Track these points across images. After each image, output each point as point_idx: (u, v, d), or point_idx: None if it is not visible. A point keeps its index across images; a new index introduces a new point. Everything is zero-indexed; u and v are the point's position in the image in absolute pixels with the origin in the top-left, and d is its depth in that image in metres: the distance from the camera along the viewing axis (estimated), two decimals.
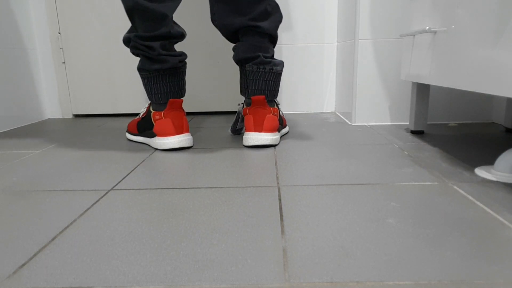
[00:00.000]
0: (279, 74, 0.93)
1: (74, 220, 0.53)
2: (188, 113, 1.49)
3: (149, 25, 0.84)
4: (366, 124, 1.15)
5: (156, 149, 0.92)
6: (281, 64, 0.94)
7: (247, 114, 0.92)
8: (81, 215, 0.54)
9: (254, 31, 0.91)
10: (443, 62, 0.76)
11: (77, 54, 1.43)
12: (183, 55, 0.91)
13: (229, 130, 1.08)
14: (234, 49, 0.95)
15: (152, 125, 0.91)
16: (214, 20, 0.96)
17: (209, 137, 1.04)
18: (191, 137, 0.92)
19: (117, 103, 1.47)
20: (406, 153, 0.82)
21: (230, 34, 0.95)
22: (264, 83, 0.92)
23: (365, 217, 0.51)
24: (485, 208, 0.53)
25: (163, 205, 0.57)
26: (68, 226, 0.51)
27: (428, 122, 1.16)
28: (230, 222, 0.51)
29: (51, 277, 0.39)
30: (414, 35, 0.91)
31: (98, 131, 1.19)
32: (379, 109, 1.15)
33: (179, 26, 0.91)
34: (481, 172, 0.67)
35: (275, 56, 1.37)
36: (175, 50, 0.91)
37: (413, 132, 1.01)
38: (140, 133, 0.98)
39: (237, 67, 1.41)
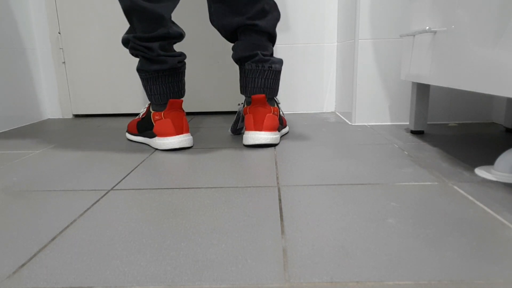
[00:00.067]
0: (278, 72, 0.93)
1: (74, 220, 0.53)
2: (188, 113, 1.49)
3: (147, 25, 0.84)
4: (366, 124, 1.15)
5: (156, 149, 0.92)
6: (280, 62, 0.94)
7: (247, 113, 0.91)
8: (81, 215, 0.54)
9: (252, 29, 0.91)
10: (443, 62, 0.76)
11: (77, 54, 1.43)
12: (182, 56, 0.91)
13: (229, 130, 1.08)
14: (233, 48, 0.95)
15: (152, 125, 0.91)
16: (213, 21, 0.96)
17: (209, 137, 1.04)
18: (191, 137, 0.92)
19: (117, 103, 1.47)
20: (406, 153, 0.82)
21: (229, 33, 0.95)
22: (264, 81, 0.92)
23: (365, 217, 0.51)
24: (485, 208, 0.53)
25: (163, 205, 0.57)
26: (68, 226, 0.51)
27: (428, 122, 1.16)
28: (230, 222, 0.51)
29: (51, 277, 0.39)
30: (414, 35, 0.91)
31: (98, 131, 1.19)
32: (379, 109, 1.15)
33: (177, 26, 0.91)
34: (481, 172, 0.67)
35: (275, 56, 1.37)
36: (174, 51, 0.91)
37: (413, 132, 1.01)
38: (140, 133, 0.98)
39: (237, 67, 1.41)
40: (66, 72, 1.44)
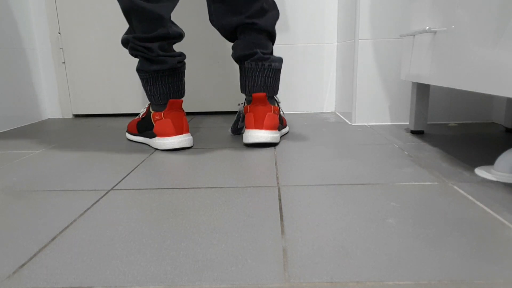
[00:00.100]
0: (278, 70, 0.93)
1: (74, 220, 0.53)
2: (188, 113, 1.49)
3: (146, 26, 0.84)
4: (366, 124, 1.15)
5: (156, 149, 0.92)
6: (280, 60, 0.94)
7: (247, 112, 0.91)
8: (81, 215, 0.54)
9: (251, 28, 0.91)
10: (443, 62, 0.76)
11: (77, 54, 1.43)
12: (182, 56, 0.91)
13: (230, 130, 1.08)
14: (233, 47, 0.95)
15: (152, 126, 0.91)
16: (212, 21, 0.96)
17: (209, 137, 1.04)
18: (191, 137, 0.92)
19: (117, 103, 1.47)
20: (406, 153, 0.82)
21: (229, 33, 0.95)
22: (263, 80, 0.92)
23: (365, 217, 0.51)
24: (485, 208, 0.53)
25: (163, 205, 0.57)
26: (68, 226, 0.51)
27: (428, 122, 1.16)
28: (230, 222, 0.51)
29: (51, 277, 0.39)
30: (414, 35, 0.91)
31: (98, 131, 1.19)
32: (379, 109, 1.15)
33: (177, 27, 0.91)
34: (481, 172, 0.67)
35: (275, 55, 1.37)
36: (174, 51, 0.91)
37: (413, 132, 1.01)
38: (140, 133, 0.98)
39: (237, 67, 1.41)
40: (66, 72, 1.44)
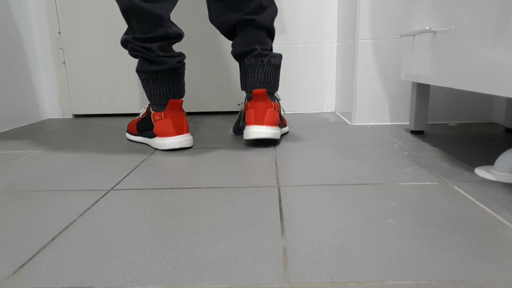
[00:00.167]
0: (277, 66, 0.93)
1: (74, 220, 0.53)
2: (188, 113, 1.49)
3: (146, 26, 0.84)
4: (366, 124, 1.15)
5: (156, 149, 0.92)
6: (279, 56, 0.94)
7: (248, 108, 0.91)
8: (81, 215, 0.54)
9: (250, 25, 0.91)
10: (443, 62, 0.76)
11: (77, 54, 1.43)
12: (181, 56, 0.91)
13: (231, 130, 1.07)
14: (232, 44, 0.96)
15: (152, 126, 0.91)
16: (212, 19, 0.96)
17: (209, 137, 1.04)
18: (191, 137, 0.92)
19: (117, 103, 1.47)
20: (406, 153, 0.82)
21: (228, 31, 0.95)
22: (263, 76, 0.91)
23: (365, 217, 0.51)
24: (485, 208, 0.53)
25: (163, 205, 0.57)
26: (68, 226, 0.51)
27: (428, 122, 1.16)
28: (230, 222, 0.51)
29: (51, 277, 0.39)
30: (414, 35, 0.91)
31: (98, 131, 1.19)
32: (379, 109, 1.15)
33: (176, 27, 0.91)
34: (481, 172, 0.67)
35: None
36: (174, 51, 0.91)
37: (413, 132, 1.01)
38: (140, 133, 0.98)
39: (237, 67, 1.41)
40: (66, 72, 1.44)
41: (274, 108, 0.90)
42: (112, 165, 0.80)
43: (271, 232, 0.47)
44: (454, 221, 0.49)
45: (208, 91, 1.44)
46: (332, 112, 1.42)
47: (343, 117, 1.28)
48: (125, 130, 1.19)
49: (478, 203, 0.55)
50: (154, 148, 0.93)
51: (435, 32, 0.79)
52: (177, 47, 1.40)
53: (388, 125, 1.13)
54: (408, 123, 1.15)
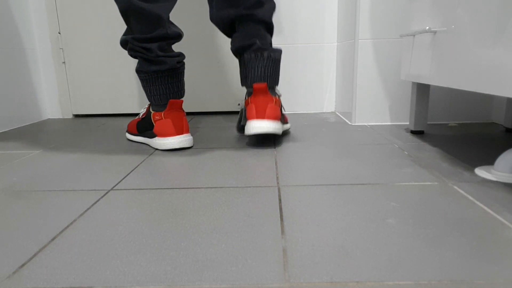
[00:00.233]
0: (278, 61, 0.92)
1: (74, 220, 0.53)
2: (188, 113, 1.49)
3: (145, 26, 0.84)
4: (366, 124, 1.15)
5: (156, 149, 0.92)
6: (279, 51, 0.93)
7: (248, 104, 0.89)
8: (81, 215, 0.54)
9: (249, 20, 0.91)
10: (443, 62, 0.76)
11: (77, 54, 1.43)
12: (181, 56, 0.91)
13: (236, 130, 1.07)
14: (231, 41, 0.95)
15: (152, 126, 0.91)
16: (212, 15, 0.96)
17: (209, 137, 1.04)
18: (191, 137, 0.92)
19: (117, 103, 1.47)
20: (406, 153, 0.82)
21: (227, 26, 0.95)
22: (263, 70, 0.91)
23: (365, 217, 0.51)
24: (485, 208, 0.53)
25: (163, 205, 0.57)
26: (68, 226, 0.51)
27: (428, 122, 1.16)
28: (230, 222, 0.51)
29: (51, 277, 0.39)
30: (414, 35, 0.91)
31: (98, 131, 1.19)
32: (379, 109, 1.15)
33: (176, 27, 0.91)
34: (481, 172, 0.67)
35: None
36: (173, 51, 0.91)
37: (413, 132, 1.01)
38: (140, 133, 0.98)
39: (237, 67, 1.41)
40: (66, 72, 1.44)
41: (275, 103, 0.89)
42: (112, 165, 0.80)
43: (271, 232, 0.47)
44: (454, 221, 0.49)
45: (208, 91, 1.44)
46: (332, 112, 1.42)
47: (343, 117, 1.28)
48: (125, 130, 1.19)
49: (478, 203, 0.55)
50: (154, 148, 0.93)
51: (435, 32, 0.79)
52: (176, 47, 1.40)
53: (388, 125, 1.13)
54: (408, 123, 1.15)
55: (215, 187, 0.64)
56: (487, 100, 1.15)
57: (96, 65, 1.43)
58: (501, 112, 1.11)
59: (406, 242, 0.44)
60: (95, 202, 0.59)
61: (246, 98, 0.94)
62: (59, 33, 1.41)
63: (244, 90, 1.43)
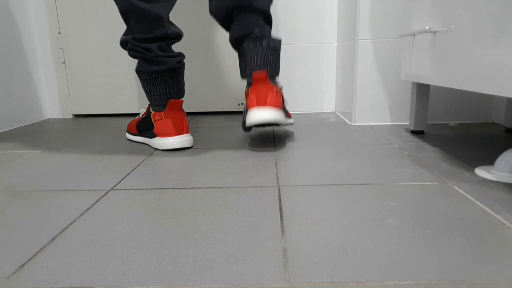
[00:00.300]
0: (277, 50, 0.90)
1: (74, 220, 0.53)
2: (188, 113, 1.49)
3: (145, 26, 0.84)
4: (366, 124, 1.15)
5: (156, 149, 0.92)
6: (278, 40, 0.91)
7: (249, 95, 0.85)
8: (81, 215, 0.54)
9: (247, 9, 0.89)
10: (443, 62, 0.76)
11: (77, 54, 1.43)
12: (181, 56, 0.91)
13: (242, 129, 1.04)
14: (230, 32, 0.93)
15: (152, 126, 0.91)
16: (211, 7, 0.95)
17: (209, 137, 1.04)
18: (191, 137, 0.92)
19: (117, 103, 1.47)
20: (406, 153, 0.82)
21: (225, 17, 0.93)
22: (263, 59, 0.88)
23: (365, 217, 0.51)
24: (485, 208, 0.53)
25: (163, 205, 0.57)
26: (68, 226, 0.51)
27: (428, 122, 1.16)
28: (230, 222, 0.51)
29: (51, 277, 0.39)
30: (414, 35, 0.91)
31: (98, 131, 1.19)
32: (379, 109, 1.15)
33: (175, 27, 0.91)
34: (481, 172, 0.67)
35: None
36: (173, 51, 0.91)
37: (413, 132, 1.01)
38: (140, 133, 0.98)
39: (237, 67, 1.41)
40: (66, 72, 1.44)
41: (276, 92, 0.85)
42: (112, 165, 0.80)
43: (271, 232, 0.47)
44: (454, 221, 0.49)
45: (208, 91, 1.44)
46: (332, 112, 1.42)
47: (343, 117, 1.28)
48: (125, 130, 1.19)
49: (478, 203, 0.55)
50: (154, 148, 0.93)
51: (435, 32, 0.79)
52: (176, 47, 1.40)
53: (388, 125, 1.13)
54: (408, 123, 1.15)
55: (215, 187, 0.64)
56: (487, 100, 1.15)
57: (96, 65, 1.43)
58: (501, 112, 1.11)
59: (406, 242, 0.44)
60: (95, 202, 0.59)
61: (246, 90, 0.90)
62: (59, 33, 1.41)
63: (243, 90, 1.43)
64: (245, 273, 0.39)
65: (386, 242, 0.44)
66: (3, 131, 1.23)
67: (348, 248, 0.43)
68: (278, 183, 0.65)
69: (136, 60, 1.41)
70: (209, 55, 1.41)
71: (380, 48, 1.11)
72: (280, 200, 0.58)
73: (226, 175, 0.70)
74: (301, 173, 0.70)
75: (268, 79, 0.84)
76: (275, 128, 1.14)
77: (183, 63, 0.93)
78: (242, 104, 1.00)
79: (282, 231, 0.47)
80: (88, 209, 0.57)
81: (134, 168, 0.77)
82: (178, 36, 0.89)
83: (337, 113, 1.39)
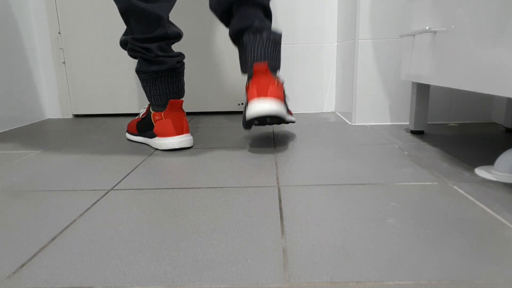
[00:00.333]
0: (278, 43, 0.89)
1: (74, 220, 0.53)
2: (188, 113, 1.49)
3: (145, 26, 0.84)
4: (366, 124, 1.15)
5: (156, 149, 0.92)
6: (279, 33, 0.89)
7: (249, 88, 0.82)
8: (81, 215, 0.54)
9: (246, 3, 0.88)
10: (443, 62, 0.76)
11: (77, 54, 1.43)
12: (180, 56, 0.91)
13: (242, 127, 1.03)
14: (230, 26, 0.92)
15: (152, 126, 0.91)
16: (211, 3, 0.94)
17: (209, 137, 1.04)
18: (191, 137, 0.92)
19: (117, 103, 1.47)
20: (406, 153, 0.82)
21: (225, 12, 0.93)
22: (263, 51, 0.87)
23: (365, 217, 0.51)
24: (485, 208, 0.53)
25: (163, 205, 0.57)
26: (68, 226, 0.51)
27: (428, 122, 1.16)
28: (230, 222, 0.51)
29: (51, 277, 0.39)
30: (414, 35, 0.91)
31: (98, 131, 1.19)
32: (379, 109, 1.15)
33: (175, 26, 0.91)
34: (481, 172, 0.67)
35: None
36: (173, 51, 0.91)
37: (413, 132, 1.01)
38: (140, 133, 0.98)
39: (237, 67, 1.41)
40: (66, 72, 1.44)
41: (277, 85, 0.82)
42: (112, 165, 0.80)
43: (271, 232, 0.47)
44: (454, 221, 0.49)
45: (208, 91, 1.44)
46: (332, 112, 1.42)
47: (343, 117, 1.28)
48: (125, 130, 1.19)
49: (478, 203, 0.55)
50: (154, 148, 0.93)
51: (435, 32, 0.79)
52: (176, 47, 1.40)
53: (388, 125, 1.13)
54: (408, 123, 1.15)
55: (215, 187, 0.64)
56: (487, 100, 1.15)
57: (96, 65, 1.43)
58: (501, 112, 1.11)
59: (406, 242, 0.44)
60: (95, 202, 0.59)
61: (247, 84, 0.88)
62: (59, 33, 1.41)
63: (243, 90, 1.43)
64: (245, 273, 0.39)
65: (386, 242, 0.44)
66: (3, 131, 1.23)
67: (348, 248, 0.43)
68: (278, 183, 0.65)
69: (136, 60, 1.41)
70: (209, 55, 1.41)
71: (380, 48, 1.11)
72: (280, 200, 0.58)
73: (226, 175, 0.70)
74: (301, 173, 0.70)
75: (269, 71, 0.82)
76: (275, 128, 1.14)
77: (183, 63, 0.93)
78: (242, 104, 1.00)
79: (282, 231, 0.47)
80: (88, 209, 0.57)
81: (134, 168, 0.77)
82: (178, 36, 0.89)
83: (337, 113, 1.39)
